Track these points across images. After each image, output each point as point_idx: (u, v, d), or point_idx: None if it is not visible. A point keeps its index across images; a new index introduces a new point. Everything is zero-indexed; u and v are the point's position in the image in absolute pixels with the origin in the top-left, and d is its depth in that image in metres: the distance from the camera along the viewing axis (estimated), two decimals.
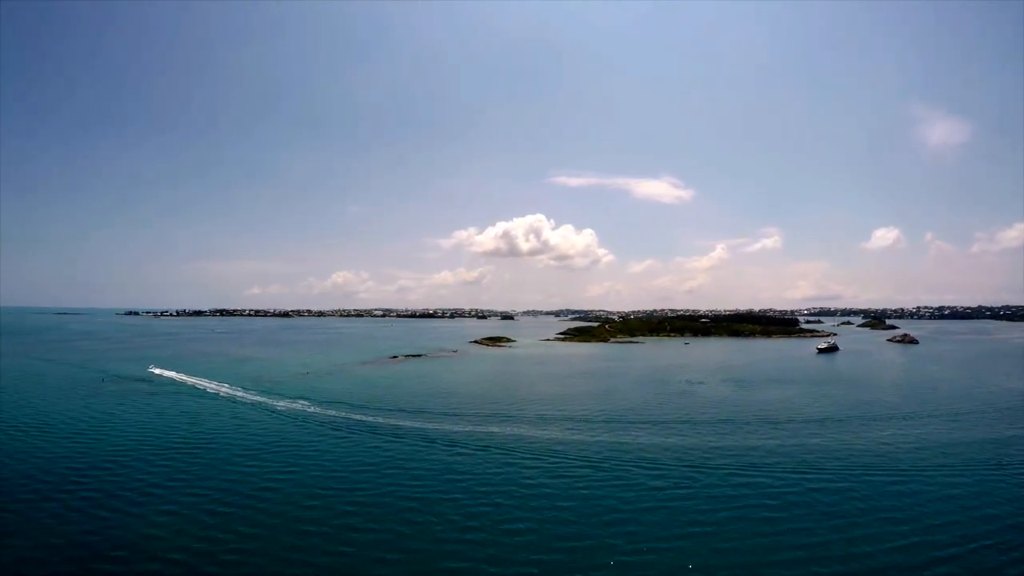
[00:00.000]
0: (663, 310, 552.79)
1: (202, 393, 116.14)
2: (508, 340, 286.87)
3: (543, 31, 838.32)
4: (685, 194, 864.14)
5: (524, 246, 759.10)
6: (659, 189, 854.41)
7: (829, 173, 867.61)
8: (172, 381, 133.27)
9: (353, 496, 54.67)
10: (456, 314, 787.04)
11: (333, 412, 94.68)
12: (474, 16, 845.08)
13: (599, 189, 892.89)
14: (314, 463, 65.92)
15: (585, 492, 55.55)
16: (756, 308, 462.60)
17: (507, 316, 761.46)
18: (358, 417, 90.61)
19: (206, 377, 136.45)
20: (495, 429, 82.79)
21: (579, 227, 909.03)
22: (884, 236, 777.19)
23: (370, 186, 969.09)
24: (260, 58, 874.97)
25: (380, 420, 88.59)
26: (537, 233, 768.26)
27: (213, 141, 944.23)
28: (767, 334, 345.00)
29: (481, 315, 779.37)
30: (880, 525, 47.34)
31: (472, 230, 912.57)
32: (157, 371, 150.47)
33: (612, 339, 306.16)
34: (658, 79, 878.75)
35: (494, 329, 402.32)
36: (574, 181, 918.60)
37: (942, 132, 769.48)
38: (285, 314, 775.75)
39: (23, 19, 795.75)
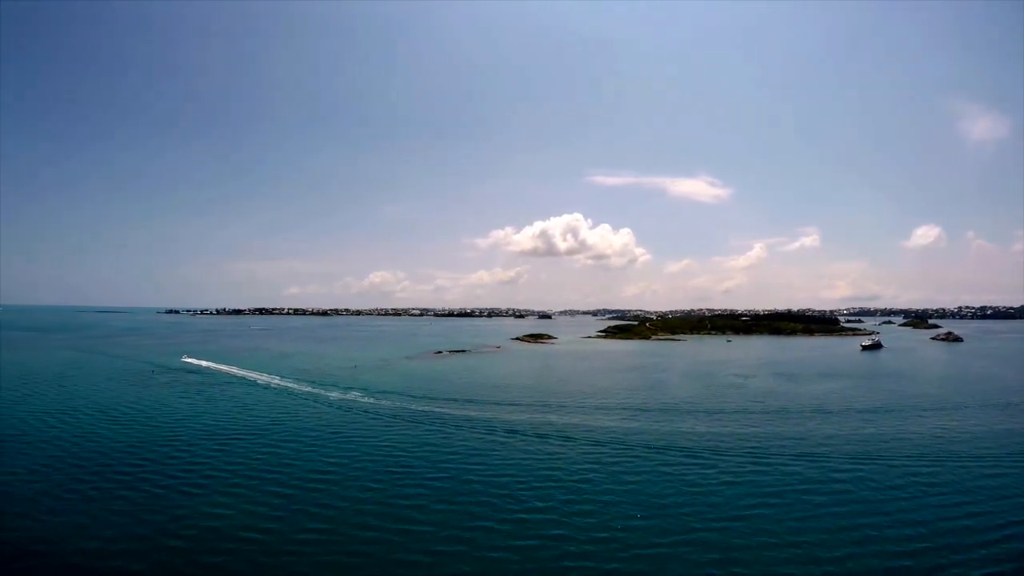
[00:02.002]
0: (700, 310, 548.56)
1: (253, 384, 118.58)
2: (549, 337, 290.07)
3: (580, 30, 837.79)
4: (723, 193, 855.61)
5: (561, 245, 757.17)
6: (696, 188, 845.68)
7: (868, 170, 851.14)
8: (221, 373, 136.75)
9: (418, 481, 55.30)
10: (493, 313, 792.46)
11: (387, 403, 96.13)
12: (511, 15, 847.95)
13: (636, 188, 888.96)
14: (375, 450, 66.92)
15: (647, 477, 56.48)
16: (794, 308, 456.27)
17: (544, 315, 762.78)
18: (413, 407, 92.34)
19: (255, 369, 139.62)
20: (553, 418, 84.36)
21: (616, 226, 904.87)
22: (925, 234, 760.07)
23: (407, 186, 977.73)
24: (297, 60, 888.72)
25: (435, 409, 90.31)
26: (574, 232, 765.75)
27: (251, 143, 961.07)
28: (809, 332, 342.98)
29: (519, 314, 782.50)
30: (942, 511, 48.03)
31: (509, 229, 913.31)
32: (204, 363, 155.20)
33: (653, 337, 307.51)
34: (694, 77, 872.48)
35: (533, 327, 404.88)
36: (611, 180, 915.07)
37: (982, 128, 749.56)
38: (324, 313, 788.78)
39: (61, 21, 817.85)
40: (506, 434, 74.60)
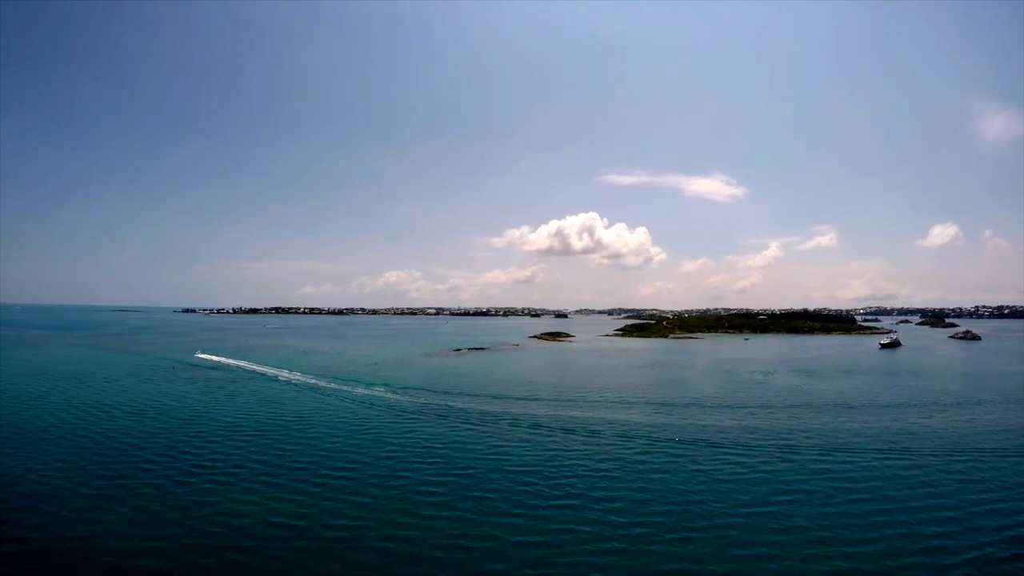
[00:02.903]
0: (716, 309, 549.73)
1: (275, 380, 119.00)
2: (567, 335, 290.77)
3: (593, 30, 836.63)
4: (738, 191, 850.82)
5: (577, 244, 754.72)
6: (711, 187, 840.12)
7: (884, 169, 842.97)
8: (242, 369, 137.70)
9: (449, 473, 55.67)
10: (509, 312, 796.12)
11: (411, 398, 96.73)
12: (524, 15, 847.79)
13: (651, 187, 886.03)
14: (403, 443, 67.17)
15: (674, 470, 56.91)
16: (809, 307, 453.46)
17: (560, 314, 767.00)
18: (438, 402, 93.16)
19: (276, 366, 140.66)
20: (577, 413, 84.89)
21: (632, 226, 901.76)
22: (942, 233, 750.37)
23: (422, 186, 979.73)
24: (311, 60, 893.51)
25: (460, 405, 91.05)
26: (590, 231, 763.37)
27: (265, 143, 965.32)
28: (826, 331, 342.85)
29: (534, 313, 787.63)
30: (967, 498, 48.86)
31: (525, 229, 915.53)
32: (224, 360, 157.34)
33: (671, 335, 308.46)
34: (708, 76, 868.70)
35: (550, 326, 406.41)
36: (625, 179, 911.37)
37: (999, 126, 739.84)
38: (339, 312, 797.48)
39: (76, 23, 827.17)
40: (531, 429, 75.10)
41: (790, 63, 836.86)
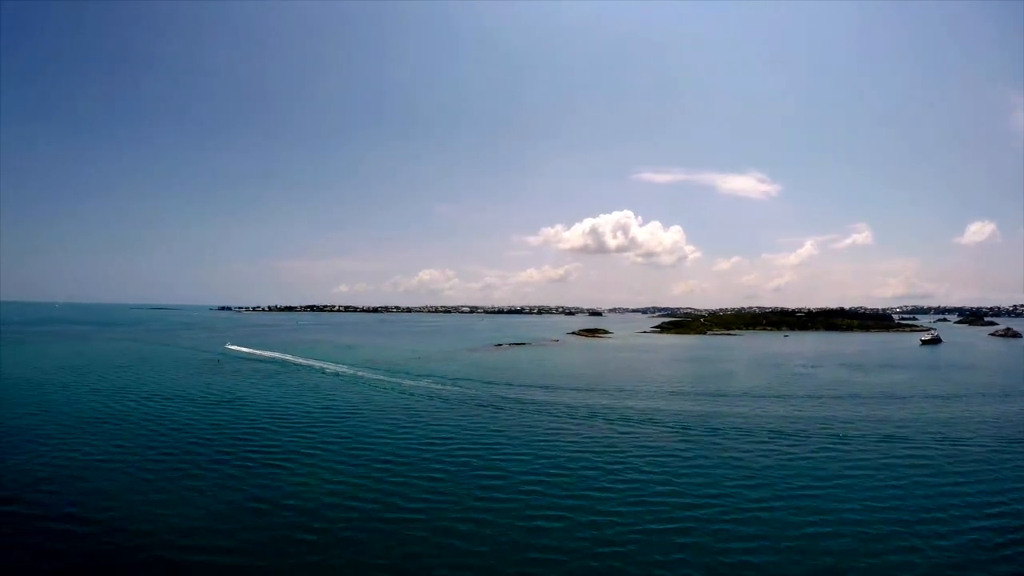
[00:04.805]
0: (750, 308, 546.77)
1: (321, 372, 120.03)
2: (605, 332, 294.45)
3: (627, 29, 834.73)
4: (772, 189, 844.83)
5: (611, 243, 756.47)
6: (746, 184, 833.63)
7: (920, 165, 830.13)
8: (288, 362, 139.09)
9: (522, 457, 56.37)
10: (543, 311, 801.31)
11: (462, 389, 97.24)
12: (558, 15, 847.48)
13: (684, 185, 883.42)
14: (466, 430, 67.84)
15: (735, 459, 56.47)
16: (845, 306, 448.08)
17: (595, 312, 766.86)
18: (490, 392, 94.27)
19: (321, 359, 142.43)
20: (631, 403, 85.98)
21: (666, 224, 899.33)
22: (979, 230, 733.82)
23: (457, 185, 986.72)
24: (343, 60, 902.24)
25: (511, 395, 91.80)
26: (624, 230, 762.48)
27: (301, 143, 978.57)
28: (864, 328, 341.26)
29: (568, 311, 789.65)
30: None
31: (559, 227, 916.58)
32: (269, 354, 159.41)
33: (709, 332, 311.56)
34: (742, 73, 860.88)
35: (585, 323, 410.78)
36: (660, 177, 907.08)
37: None
38: (374, 310, 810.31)
39: (108, 24, 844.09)
40: (587, 418, 75.69)
41: (824, 61, 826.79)
